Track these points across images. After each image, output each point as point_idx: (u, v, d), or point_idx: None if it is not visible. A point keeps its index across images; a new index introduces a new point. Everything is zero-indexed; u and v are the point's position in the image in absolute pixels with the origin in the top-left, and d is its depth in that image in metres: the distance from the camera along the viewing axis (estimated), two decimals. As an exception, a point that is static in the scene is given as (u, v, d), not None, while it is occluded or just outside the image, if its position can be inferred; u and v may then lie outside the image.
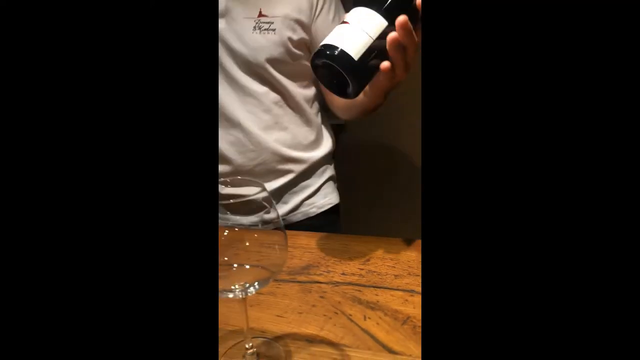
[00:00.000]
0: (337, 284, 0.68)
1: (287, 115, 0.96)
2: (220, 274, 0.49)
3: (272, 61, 0.90)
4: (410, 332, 0.57)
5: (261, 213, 0.47)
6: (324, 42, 0.59)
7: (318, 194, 1.03)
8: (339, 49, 0.57)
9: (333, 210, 1.06)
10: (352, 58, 0.57)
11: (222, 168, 0.96)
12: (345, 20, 0.60)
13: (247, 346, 0.53)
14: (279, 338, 0.57)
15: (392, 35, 0.58)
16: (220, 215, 0.46)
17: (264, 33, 0.88)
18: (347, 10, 0.92)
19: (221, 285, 0.48)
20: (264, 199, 0.47)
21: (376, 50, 0.59)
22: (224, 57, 0.89)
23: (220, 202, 0.45)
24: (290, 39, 0.89)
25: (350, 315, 0.61)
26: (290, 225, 1.00)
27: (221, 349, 0.56)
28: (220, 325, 0.59)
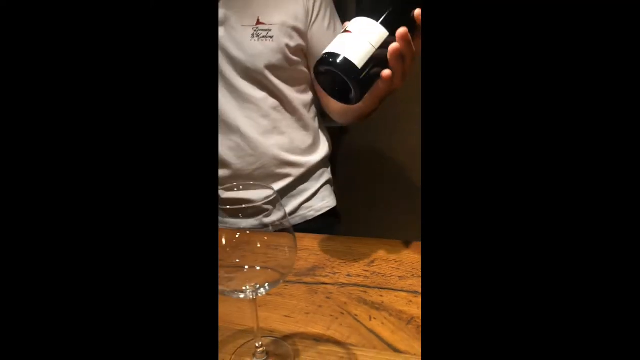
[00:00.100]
0: (342, 285, 0.69)
1: (285, 120, 0.98)
2: (231, 275, 0.51)
3: (271, 67, 0.91)
4: (414, 332, 0.58)
5: (260, 216, 0.49)
6: (327, 50, 0.61)
7: (316, 197, 1.05)
8: (343, 57, 0.59)
9: (330, 213, 1.07)
10: (356, 66, 0.59)
11: (221, 172, 0.97)
12: (347, 29, 0.61)
13: (257, 345, 0.54)
14: (287, 337, 0.59)
15: (394, 45, 0.61)
16: (230, 219, 0.47)
17: (262, 40, 0.90)
18: (343, 18, 0.95)
19: (232, 286, 0.50)
20: (271, 201, 0.49)
21: (377, 59, 0.61)
22: (223, 65, 0.91)
23: (233, 207, 0.46)
24: (287, 45, 0.91)
25: (356, 315, 0.62)
26: (288, 228, 1.02)
27: (232, 348, 0.57)
28: (231, 325, 0.61)
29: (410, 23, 0.62)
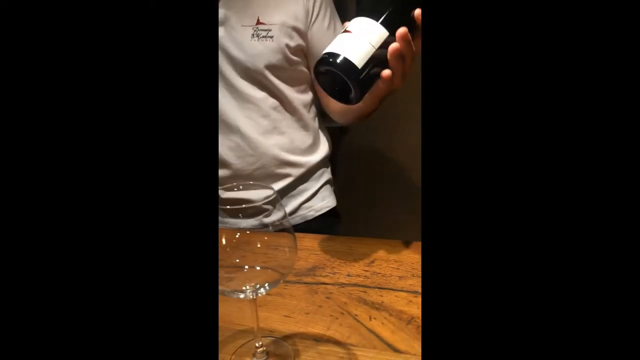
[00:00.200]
0: (342, 285, 0.69)
1: (285, 120, 0.98)
2: (231, 275, 0.51)
3: (271, 67, 0.91)
4: (414, 331, 0.58)
5: (260, 216, 0.49)
6: (327, 50, 0.61)
7: (316, 197, 1.05)
8: (343, 57, 0.59)
9: (330, 213, 1.08)
10: (356, 66, 0.59)
11: (221, 172, 0.97)
12: (347, 29, 0.61)
13: (257, 345, 0.55)
14: (287, 337, 0.59)
15: (394, 45, 0.61)
16: (230, 219, 0.47)
17: (262, 40, 0.90)
18: (343, 18, 0.95)
19: (232, 286, 0.50)
20: (271, 201, 0.49)
21: (377, 59, 0.61)
22: (223, 65, 0.91)
23: (233, 207, 0.46)
24: (287, 45, 0.91)
25: (356, 315, 0.62)
26: (288, 228, 1.02)
27: (232, 348, 0.57)
28: (231, 325, 0.61)
29: (410, 23, 0.62)
